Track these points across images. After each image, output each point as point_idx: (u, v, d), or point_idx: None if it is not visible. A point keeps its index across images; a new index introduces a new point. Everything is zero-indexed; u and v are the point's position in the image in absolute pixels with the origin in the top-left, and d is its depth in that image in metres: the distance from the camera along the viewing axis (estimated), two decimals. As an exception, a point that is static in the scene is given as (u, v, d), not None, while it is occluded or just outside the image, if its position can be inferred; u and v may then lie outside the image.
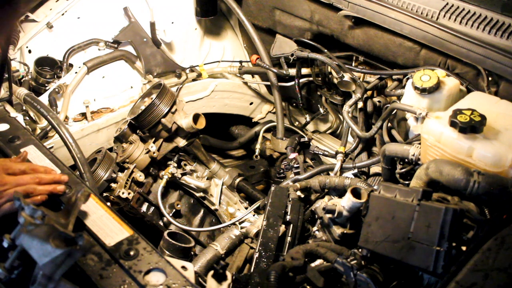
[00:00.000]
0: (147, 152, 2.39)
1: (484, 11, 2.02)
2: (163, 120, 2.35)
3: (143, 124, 2.38)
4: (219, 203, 2.53)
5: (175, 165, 2.47)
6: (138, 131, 2.48)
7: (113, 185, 2.32)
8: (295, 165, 2.45)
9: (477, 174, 1.58)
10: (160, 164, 2.51)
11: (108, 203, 2.19)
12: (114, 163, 2.34)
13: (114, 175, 2.30)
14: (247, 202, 2.53)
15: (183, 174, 2.48)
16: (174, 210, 2.46)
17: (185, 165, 2.52)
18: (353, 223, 1.84)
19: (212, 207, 2.53)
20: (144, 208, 2.46)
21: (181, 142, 2.46)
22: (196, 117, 2.39)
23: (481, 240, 1.33)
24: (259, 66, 2.82)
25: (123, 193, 2.30)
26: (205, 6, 2.88)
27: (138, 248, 1.31)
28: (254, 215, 2.42)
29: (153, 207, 2.45)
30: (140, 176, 2.37)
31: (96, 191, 1.65)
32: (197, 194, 2.53)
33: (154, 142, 2.41)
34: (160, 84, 2.42)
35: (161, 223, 2.41)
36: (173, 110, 2.37)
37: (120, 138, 2.47)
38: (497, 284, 1.22)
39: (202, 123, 2.41)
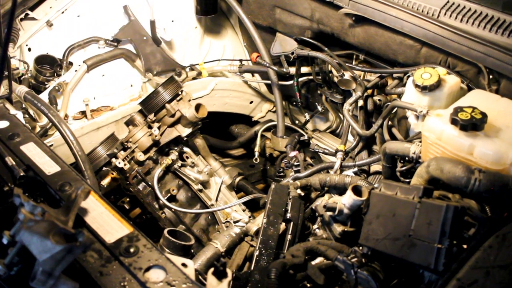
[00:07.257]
0: (149, 135, 2.44)
1: (485, 9, 2.02)
2: (167, 105, 2.41)
3: (149, 108, 2.45)
4: (216, 200, 2.56)
5: (177, 153, 2.50)
6: (146, 118, 2.51)
7: (113, 160, 2.35)
8: (295, 163, 2.45)
9: (478, 172, 1.57)
10: (163, 154, 2.53)
11: (107, 180, 2.27)
12: (118, 143, 2.38)
13: (115, 151, 2.35)
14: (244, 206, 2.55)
15: (183, 165, 2.52)
16: (169, 195, 2.49)
17: (187, 157, 2.56)
18: (353, 221, 1.84)
19: (209, 202, 2.55)
20: (140, 189, 2.47)
21: (184, 131, 2.48)
22: (197, 107, 2.45)
23: (482, 237, 1.33)
24: (259, 64, 2.81)
25: (119, 163, 2.33)
26: (206, 5, 2.87)
27: (138, 245, 1.30)
28: (249, 217, 2.45)
29: (150, 189, 2.47)
30: (140, 156, 2.39)
31: (96, 189, 1.64)
32: (196, 187, 2.54)
33: (158, 128, 2.45)
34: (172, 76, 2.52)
35: (155, 204, 2.44)
36: (178, 98, 2.45)
37: (129, 123, 2.53)
38: (499, 281, 1.22)
39: (204, 113, 2.47)
